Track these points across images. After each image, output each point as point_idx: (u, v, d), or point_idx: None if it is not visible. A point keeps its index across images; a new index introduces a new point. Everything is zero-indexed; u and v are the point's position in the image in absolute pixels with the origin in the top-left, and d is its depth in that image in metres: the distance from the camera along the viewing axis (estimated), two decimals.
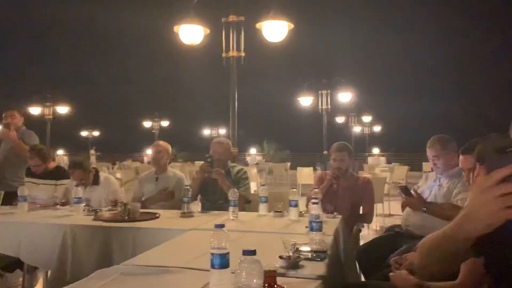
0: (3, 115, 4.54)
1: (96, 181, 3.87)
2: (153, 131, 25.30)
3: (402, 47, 37.46)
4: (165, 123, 25.63)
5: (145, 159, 24.58)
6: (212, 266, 1.39)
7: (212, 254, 1.39)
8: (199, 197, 3.77)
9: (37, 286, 3.79)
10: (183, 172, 4.51)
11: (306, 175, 11.64)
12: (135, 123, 28.67)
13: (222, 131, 28.99)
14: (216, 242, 1.39)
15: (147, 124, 25.62)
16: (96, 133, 29.51)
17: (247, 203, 3.58)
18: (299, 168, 12.14)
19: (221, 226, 1.43)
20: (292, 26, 4.65)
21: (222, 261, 1.38)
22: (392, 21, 37.61)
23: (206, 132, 30.23)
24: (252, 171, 11.61)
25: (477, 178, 0.97)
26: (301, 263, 1.75)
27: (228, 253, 1.39)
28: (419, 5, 34.75)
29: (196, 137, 31.84)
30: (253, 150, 27.45)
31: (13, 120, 4.50)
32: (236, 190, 3.12)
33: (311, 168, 12.13)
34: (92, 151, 23.53)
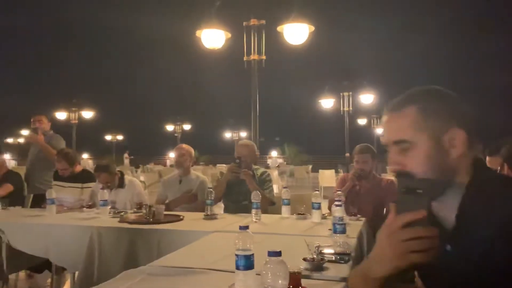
0: (31, 120, 4.68)
1: (121, 184, 3.95)
2: (175, 134, 25.58)
3: (425, 48, 36.93)
4: (187, 127, 25.88)
5: (168, 162, 24.86)
6: (237, 267, 1.40)
7: (237, 255, 1.40)
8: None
9: (65, 287, 3.88)
10: (205, 175, 4.55)
11: (328, 177, 11.59)
12: (158, 126, 29.10)
13: (243, 134, 29.10)
14: (241, 243, 1.40)
15: (169, 127, 25.92)
16: (120, 137, 30.00)
17: (271, 205, 3.59)
18: (321, 171, 12.09)
19: (245, 227, 1.45)
20: (313, 28, 4.65)
21: (247, 262, 1.39)
22: (415, 21, 37.12)
23: (228, 135, 30.39)
24: (274, 174, 11.61)
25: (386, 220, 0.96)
26: (325, 265, 1.75)
27: (252, 254, 1.40)
28: (443, 5, 34.20)
29: (217, 140, 32.08)
30: (274, 153, 27.45)
31: (41, 125, 4.63)
32: (259, 192, 3.13)
33: (333, 171, 12.07)
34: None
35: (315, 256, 1.78)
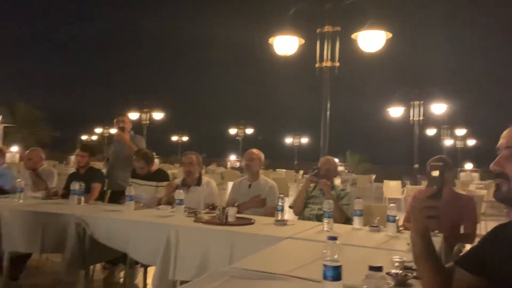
0: (115, 120, 4.93)
1: (198, 182, 4.08)
2: (237, 138, 25.97)
3: (503, 58, 34.79)
4: (249, 131, 26.18)
5: (228, 164, 25.28)
6: (325, 277, 1.40)
7: (326, 265, 1.40)
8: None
9: (137, 280, 4.06)
10: None
11: (393, 188, 11.22)
12: (221, 129, 29.69)
13: (304, 140, 28.95)
14: (329, 253, 1.40)
15: (232, 131, 26.36)
16: (185, 138, 30.90)
17: (347, 222, 3.55)
18: (385, 181, 11.72)
19: (334, 238, 1.44)
20: (390, 35, 4.54)
21: (335, 273, 1.39)
22: (493, 31, 35.12)
23: (288, 140, 30.35)
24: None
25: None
26: (409, 281, 1.70)
27: (341, 266, 1.40)
28: None
29: (278, 145, 32.15)
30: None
31: (124, 125, 4.87)
32: (331, 202, 3.10)
33: (399, 182, 11.66)
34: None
35: (399, 271, 1.73)
